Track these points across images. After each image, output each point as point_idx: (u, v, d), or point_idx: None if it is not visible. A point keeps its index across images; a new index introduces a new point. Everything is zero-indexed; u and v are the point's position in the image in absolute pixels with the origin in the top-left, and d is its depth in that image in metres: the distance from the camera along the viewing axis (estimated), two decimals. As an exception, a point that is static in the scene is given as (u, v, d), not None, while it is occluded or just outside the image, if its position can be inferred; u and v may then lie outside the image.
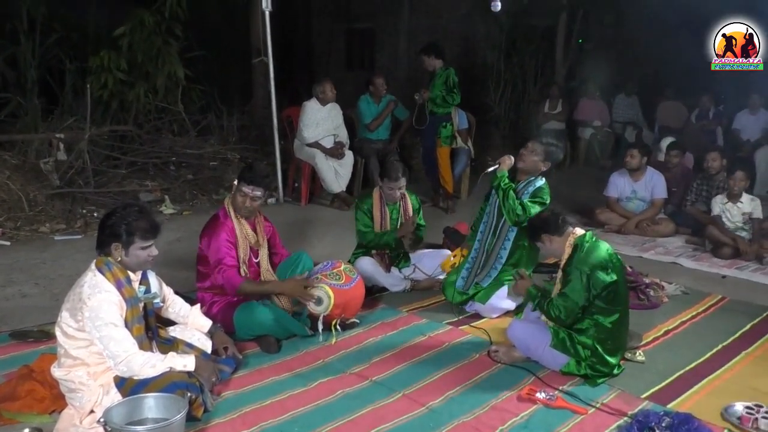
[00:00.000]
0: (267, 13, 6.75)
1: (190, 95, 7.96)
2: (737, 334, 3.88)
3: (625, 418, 2.90)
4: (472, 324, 3.99)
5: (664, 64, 9.73)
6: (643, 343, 3.69)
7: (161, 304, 3.19)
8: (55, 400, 2.88)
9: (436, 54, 6.57)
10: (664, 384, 3.25)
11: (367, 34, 12.58)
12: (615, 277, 3.20)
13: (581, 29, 10.08)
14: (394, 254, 4.59)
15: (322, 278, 3.71)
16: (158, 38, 7.36)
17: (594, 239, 3.30)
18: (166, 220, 6.06)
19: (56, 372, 2.79)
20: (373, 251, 4.52)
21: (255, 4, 7.85)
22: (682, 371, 3.40)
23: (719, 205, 5.58)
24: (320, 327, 3.66)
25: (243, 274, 3.63)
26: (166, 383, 2.71)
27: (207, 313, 3.45)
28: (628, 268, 4.40)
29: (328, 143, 6.78)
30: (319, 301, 3.63)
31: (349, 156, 6.89)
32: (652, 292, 4.38)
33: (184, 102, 7.70)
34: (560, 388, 3.17)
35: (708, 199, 5.88)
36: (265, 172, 3.86)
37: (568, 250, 3.29)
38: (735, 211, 5.52)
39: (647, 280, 4.52)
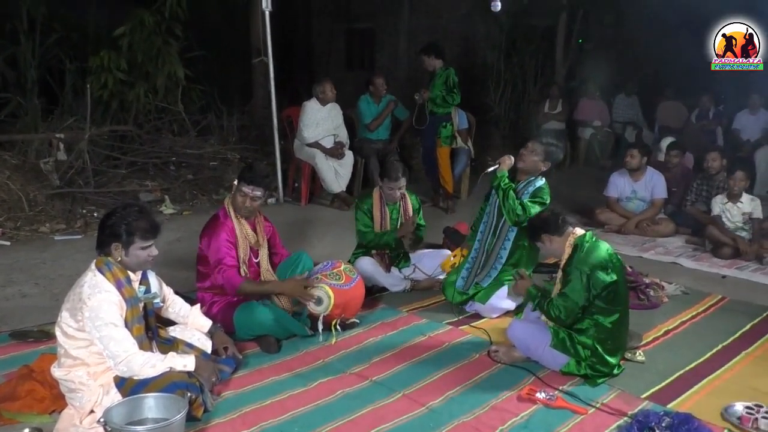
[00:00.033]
0: (267, 13, 6.75)
1: (190, 95, 7.96)
2: (737, 334, 3.88)
3: (625, 418, 2.90)
4: (472, 324, 3.99)
5: (665, 64, 9.73)
6: (643, 343, 3.69)
7: (161, 304, 3.19)
8: (55, 400, 2.88)
9: (436, 54, 6.56)
10: (664, 384, 3.25)
11: (367, 34, 12.58)
12: (615, 277, 3.20)
13: (581, 29, 10.08)
14: (394, 254, 4.59)
15: (322, 278, 3.71)
16: (158, 38, 7.36)
17: (594, 239, 3.30)
18: (166, 220, 6.06)
19: (56, 372, 2.79)
20: (373, 251, 4.52)
21: (255, 4, 7.85)
22: (682, 371, 3.40)
23: (719, 205, 5.58)
24: (320, 327, 3.66)
25: (243, 274, 3.63)
26: (166, 383, 2.71)
27: (207, 313, 3.45)
28: (628, 268, 4.40)
29: (328, 143, 6.78)
30: (319, 301, 3.63)
31: (349, 156, 6.89)
32: (652, 292, 4.38)
33: (184, 102, 7.70)
34: (560, 388, 3.17)
35: (708, 199, 5.88)
36: (265, 172, 3.86)
37: (568, 250, 3.29)
38: (735, 211, 5.52)
39: (647, 280, 4.52)
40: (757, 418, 2.84)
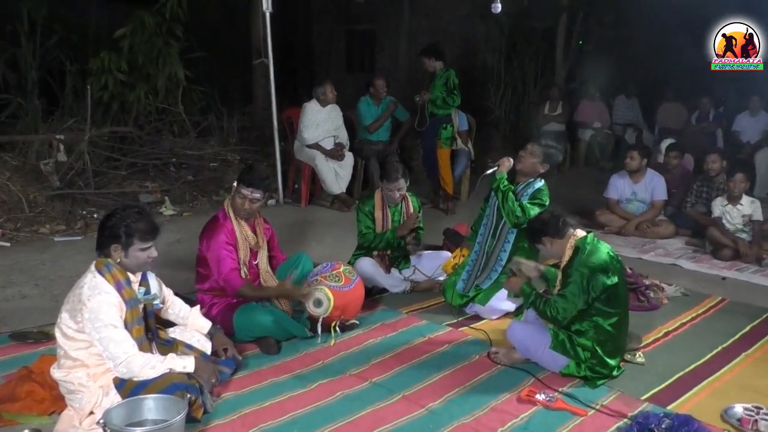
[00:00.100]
0: (267, 14, 6.76)
1: (190, 96, 7.97)
2: (737, 336, 3.88)
3: (625, 420, 2.90)
4: (471, 325, 3.99)
5: (665, 65, 9.73)
6: (643, 344, 3.69)
7: (161, 306, 3.20)
8: (55, 401, 2.88)
9: (436, 56, 6.57)
10: (663, 385, 3.25)
11: (367, 35, 12.58)
12: (616, 280, 3.19)
13: (581, 31, 10.08)
14: (395, 255, 4.59)
15: (321, 280, 3.71)
16: (159, 39, 7.37)
17: (595, 241, 3.29)
18: (166, 222, 6.06)
19: (56, 373, 2.79)
20: (374, 252, 4.52)
21: (255, 5, 7.85)
22: (681, 373, 3.39)
23: (719, 207, 5.58)
24: (319, 329, 3.66)
25: (243, 275, 3.63)
26: (166, 384, 2.71)
27: (206, 315, 3.45)
28: (628, 270, 4.40)
29: (328, 144, 6.78)
30: (318, 303, 3.63)
31: (349, 157, 6.89)
32: (652, 294, 4.38)
33: (184, 103, 7.71)
34: (560, 389, 3.17)
35: (708, 201, 5.88)
36: (264, 174, 3.87)
37: (568, 252, 3.28)
38: (735, 213, 5.52)
39: (647, 282, 4.51)
40: (756, 420, 2.84)
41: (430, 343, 3.74)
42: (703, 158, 6.33)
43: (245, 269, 3.66)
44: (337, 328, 3.74)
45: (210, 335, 3.27)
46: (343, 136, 6.91)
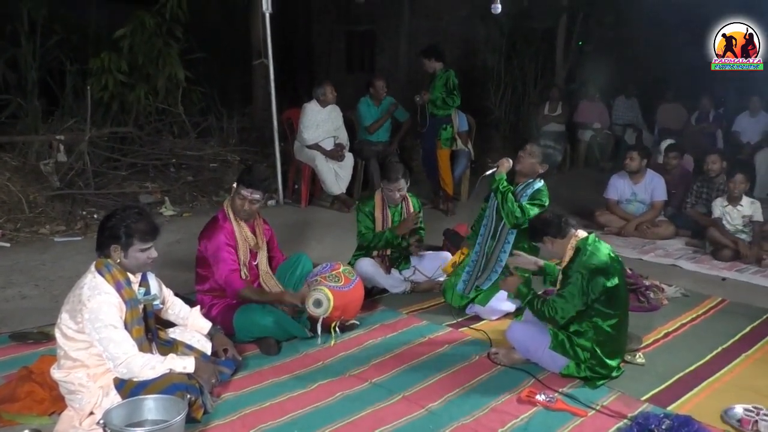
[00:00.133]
0: (267, 15, 6.76)
1: (190, 97, 7.97)
2: (737, 337, 3.88)
3: (625, 421, 2.90)
4: (471, 326, 3.98)
5: (665, 65, 9.73)
6: (643, 345, 3.69)
7: (161, 306, 3.20)
8: (55, 401, 2.88)
9: (436, 57, 6.56)
10: (664, 386, 3.25)
11: (367, 36, 12.58)
12: (616, 282, 3.18)
13: (581, 31, 10.09)
14: (395, 256, 4.59)
15: (321, 280, 3.71)
16: (159, 40, 7.37)
17: (596, 242, 3.28)
18: (166, 222, 6.06)
19: (56, 373, 2.79)
20: (374, 253, 4.52)
21: (255, 5, 7.86)
22: (682, 373, 3.39)
23: (720, 208, 5.58)
24: (319, 329, 3.66)
25: (243, 276, 3.63)
26: (166, 385, 2.71)
27: (206, 315, 3.45)
28: (628, 271, 4.40)
29: (328, 145, 6.78)
30: (318, 304, 3.62)
31: (349, 158, 6.89)
32: (652, 295, 4.38)
33: (184, 104, 7.72)
34: (560, 390, 3.17)
35: (708, 201, 5.88)
36: (264, 175, 3.86)
37: (569, 253, 3.27)
38: (735, 214, 5.52)
39: (647, 283, 4.51)
40: (756, 421, 2.84)
41: (430, 344, 3.73)
42: (703, 159, 6.33)
43: (245, 270, 3.67)
44: (337, 329, 3.73)
45: (210, 336, 3.27)
46: (343, 137, 6.91)
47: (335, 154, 6.77)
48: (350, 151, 6.95)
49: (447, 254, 4.70)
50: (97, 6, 8.60)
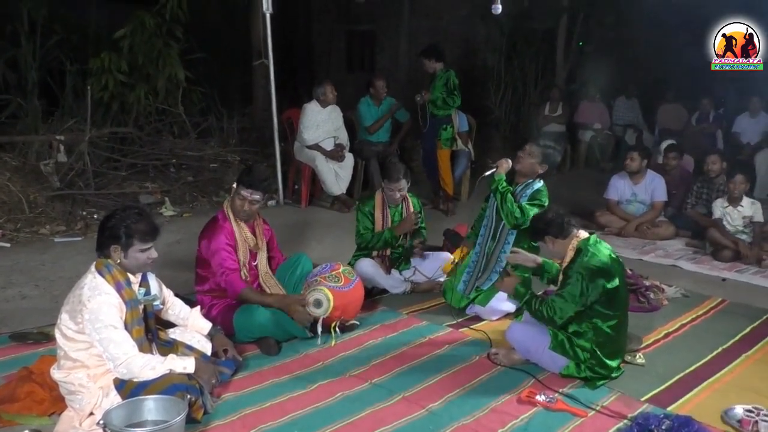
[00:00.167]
0: (267, 15, 6.75)
1: (190, 97, 7.97)
2: (737, 337, 3.88)
3: (625, 421, 2.90)
4: (471, 326, 3.98)
5: (665, 66, 9.73)
6: (643, 345, 3.69)
7: (161, 306, 3.20)
8: (55, 402, 2.88)
9: (436, 57, 6.55)
10: (664, 387, 3.25)
11: (367, 35, 12.59)
12: (616, 283, 3.18)
13: (582, 32, 10.09)
14: (395, 256, 4.59)
15: (321, 281, 3.71)
16: (159, 40, 7.37)
17: (597, 243, 3.27)
18: (166, 222, 6.06)
19: (56, 374, 2.79)
20: (374, 253, 4.52)
21: (255, 6, 7.85)
22: (682, 374, 3.39)
23: (720, 208, 5.57)
24: (319, 329, 3.66)
25: (243, 277, 3.63)
26: (166, 385, 2.71)
27: (206, 316, 3.45)
28: (628, 271, 4.40)
29: (328, 145, 6.78)
30: (318, 304, 3.62)
31: (349, 158, 6.89)
32: (652, 295, 4.38)
33: (184, 104, 7.71)
34: (560, 390, 3.17)
35: (708, 202, 5.88)
36: (264, 175, 3.86)
37: (570, 253, 3.27)
38: (735, 215, 5.52)
39: (647, 283, 4.51)
40: (757, 421, 2.84)
41: (430, 344, 3.73)
42: (703, 159, 6.32)
43: (245, 270, 3.66)
44: (337, 329, 3.73)
45: (210, 336, 3.27)
46: (343, 137, 6.91)
47: (335, 155, 6.76)
48: (350, 151, 6.95)
49: (447, 255, 4.70)
50: (97, 6, 8.60)
